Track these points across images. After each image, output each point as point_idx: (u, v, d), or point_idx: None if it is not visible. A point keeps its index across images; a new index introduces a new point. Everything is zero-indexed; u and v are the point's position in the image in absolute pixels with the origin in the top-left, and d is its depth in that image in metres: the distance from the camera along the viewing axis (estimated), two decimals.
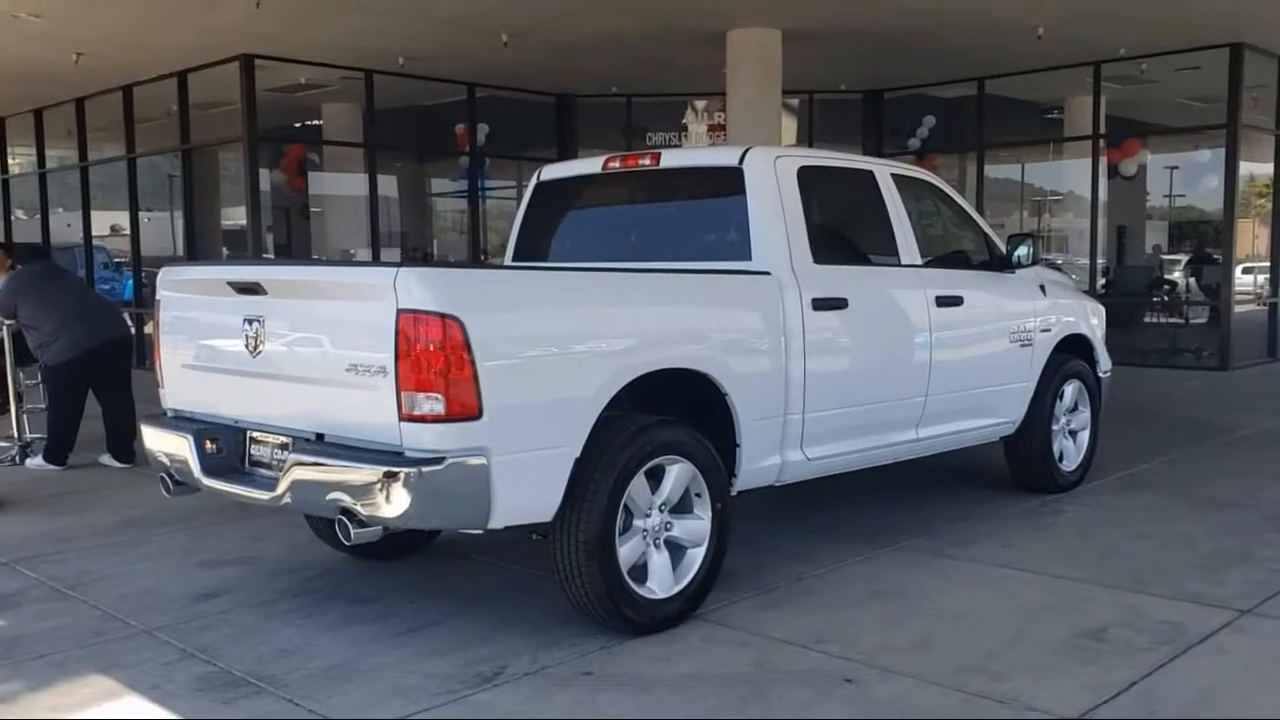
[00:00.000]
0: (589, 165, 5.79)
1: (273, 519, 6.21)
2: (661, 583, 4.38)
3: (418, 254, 17.81)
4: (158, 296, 4.81)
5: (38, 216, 18.23)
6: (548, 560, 4.25)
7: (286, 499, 4.03)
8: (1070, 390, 6.76)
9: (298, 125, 16.97)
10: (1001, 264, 6.29)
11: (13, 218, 19.03)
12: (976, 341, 6.06)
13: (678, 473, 4.40)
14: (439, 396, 3.69)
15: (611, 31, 11.75)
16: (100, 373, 7.99)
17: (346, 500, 3.82)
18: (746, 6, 11.02)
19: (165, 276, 4.79)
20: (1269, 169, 14.88)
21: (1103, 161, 14.77)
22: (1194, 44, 12.80)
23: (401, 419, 3.73)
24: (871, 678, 3.94)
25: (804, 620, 4.54)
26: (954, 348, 5.84)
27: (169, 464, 4.61)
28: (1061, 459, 6.76)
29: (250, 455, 4.40)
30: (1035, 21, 11.47)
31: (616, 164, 5.56)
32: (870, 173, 5.68)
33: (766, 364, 4.80)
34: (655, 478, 4.35)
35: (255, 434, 4.37)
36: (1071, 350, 6.78)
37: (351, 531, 3.81)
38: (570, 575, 4.17)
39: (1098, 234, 14.77)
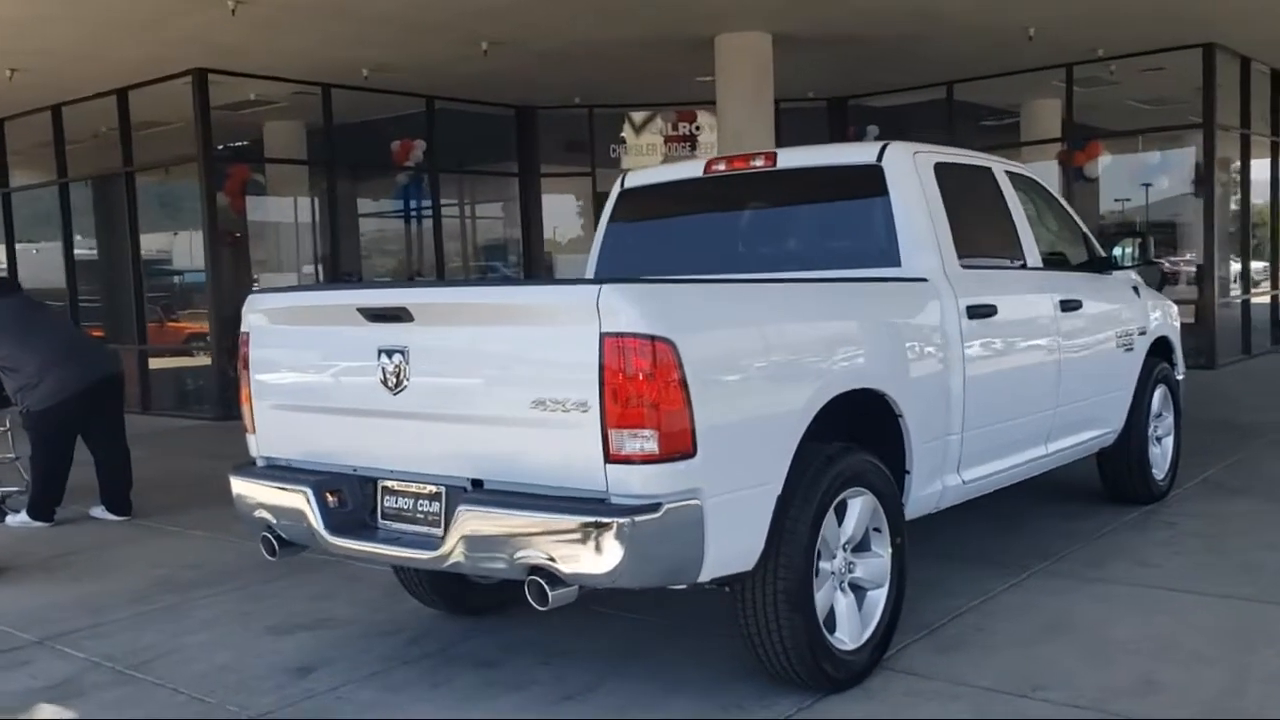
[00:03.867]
0: (684, 169, 5.30)
1: (329, 572, 5.58)
2: (851, 631, 3.90)
3: (353, 277, 16.88)
4: (245, 328, 4.16)
5: None
6: (675, 608, 3.70)
7: (457, 557, 3.43)
8: (1159, 396, 6.47)
9: (238, 145, 16.09)
10: (1103, 265, 5.97)
11: None
12: (1094, 347, 5.71)
13: (861, 506, 3.93)
14: (651, 434, 3.16)
15: (596, 38, 11.27)
16: (91, 416, 7.19)
17: (540, 557, 3.24)
18: (739, 9, 10.63)
19: (258, 304, 4.14)
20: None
21: (1061, 164, 14.74)
22: (1169, 44, 12.80)
23: (609, 460, 3.19)
24: None
25: (997, 662, 4.10)
26: (1077, 355, 5.48)
27: (274, 521, 3.97)
28: (1152, 467, 6.46)
29: (383, 508, 3.79)
30: (1028, 22, 11.31)
31: (722, 166, 5.08)
32: (989, 170, 5.30)
33: (934, 380, 4.36)
34: (839, 513, 3.87)
35: (390, 483, 3.77)
36: (1156, 354, 6.49)
37: (549, 594, 3.24)
38: (765, 629, 3.66)
39: None
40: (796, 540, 3.60)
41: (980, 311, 4.63)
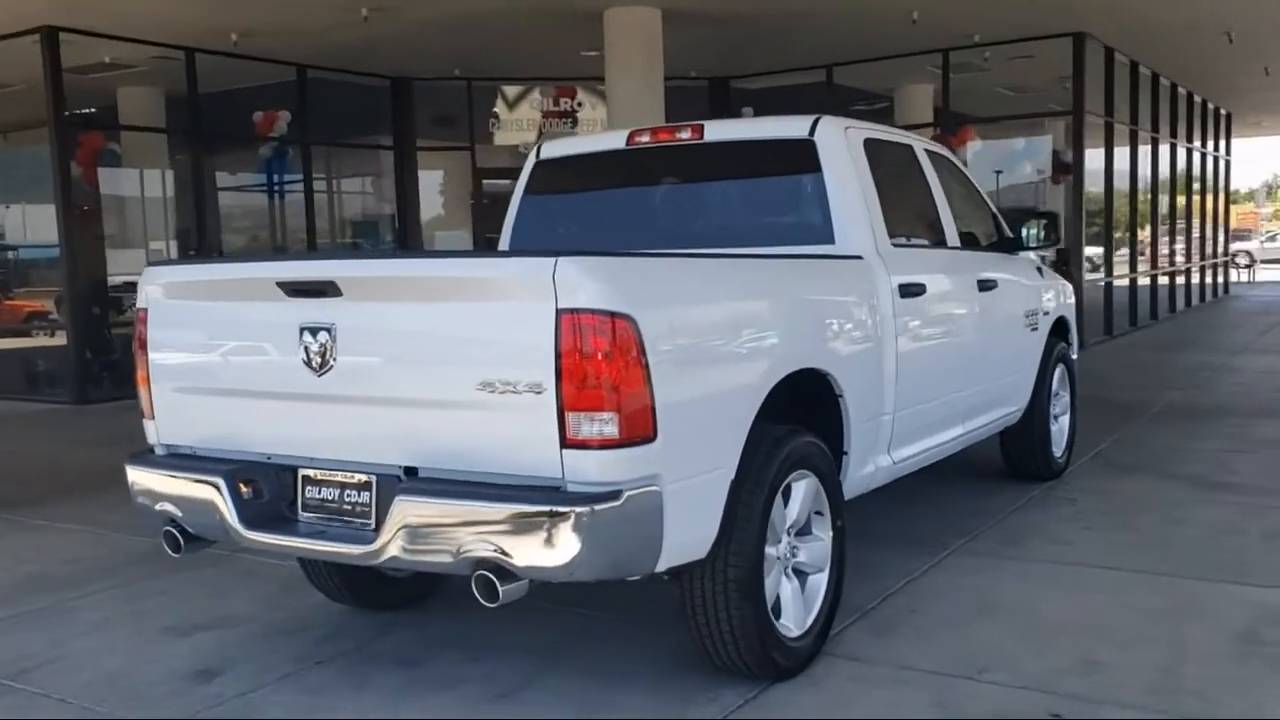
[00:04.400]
0: (606, 140, 5.08)
1: (222, 567, 5.22)
2: (796, 618, 3.79)
3: (212, 254, 16.00)
4: (141, 304, 3.79)
5: None
6: (605, 600, 3.53)
7: (393, 552, 3.17)
8: (1058, 374, 6.56)
9: (88, 111, 15.12)
10: (1011, 245, 6.00)
11: None
12: (1007, 327, 5.74)
13: (805, 489, 3.82)
14: (611, 417, 2.97)
15: (480, 8, 10.91)
16: None
17: (488, 550, 3.01)
18: None
19: (156, 278, 3.76)
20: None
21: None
22: (1042, 32, 13.12)
23: (565, 445, 2.98)
24: (1078, 710, 3.49)
25: (937, 645, 4.04)
26: (992, 334, 5.50)
27: (179, 514, 3.63)
28: (1052, 445, 6.56)
29: (304, 499, 3.49)
30: (911, 5, 11.41)
31: (646, 138, 4.88)
32: (911, 147, 5.25)
33: (870, 359, 4.28)
34: (784, 497, 3.75)
35: (311, 472, 3.47)
36: (1055, 333, 6.58)
37: (501, 589, 3.01)
38: (714, 619, 3.51)
39: None
40: (749, 526, 3.46)
41: (911, 290, 4.57)
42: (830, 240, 4.41)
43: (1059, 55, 13.86)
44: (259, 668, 4.04)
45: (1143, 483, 6.53)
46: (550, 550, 2.97)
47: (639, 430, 3.01)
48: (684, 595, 3.55)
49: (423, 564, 3.23)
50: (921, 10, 11.57)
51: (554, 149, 5.20)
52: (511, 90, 15.13)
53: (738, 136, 4.81)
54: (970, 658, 3.91)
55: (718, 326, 3.41)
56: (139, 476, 3.75)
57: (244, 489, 3.49)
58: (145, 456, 3.82)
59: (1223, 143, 22.82)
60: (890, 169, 4.84)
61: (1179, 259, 19.58)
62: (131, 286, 4.78)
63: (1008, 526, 5.64)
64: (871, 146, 4.70)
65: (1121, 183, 16.02)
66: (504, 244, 5.20)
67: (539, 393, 2.99)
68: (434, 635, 4.30)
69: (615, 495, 2.98)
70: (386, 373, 3.27)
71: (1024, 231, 5.88)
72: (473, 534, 3.04)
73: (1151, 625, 4.20)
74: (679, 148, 4.82)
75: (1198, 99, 19.85)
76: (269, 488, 3.53)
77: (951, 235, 5.26)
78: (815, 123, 4.53)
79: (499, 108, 15.19)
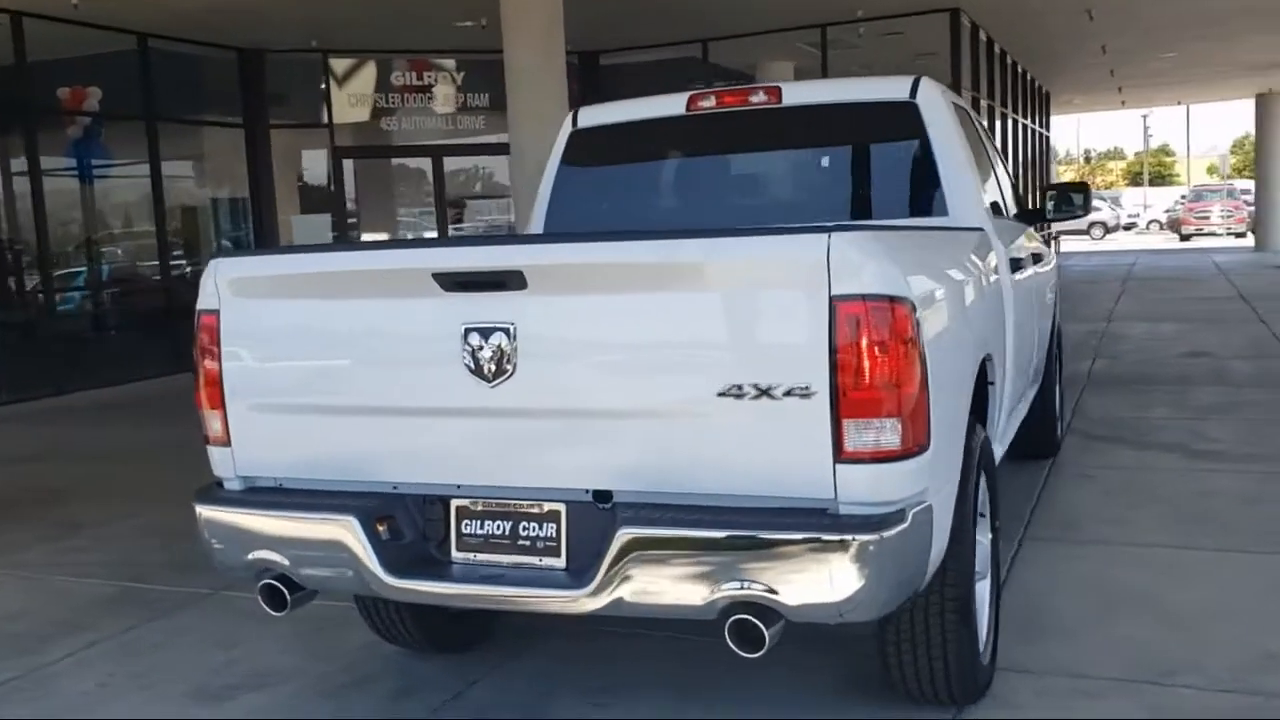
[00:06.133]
0: (658, 106, 4.52)
1: (199, 610, 4.51)
2: (982, 631, 3.40)
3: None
4: (208, 305, 3.03)
5: None
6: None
7: (618, 596, 2.60)
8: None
9: None
10: (1035, 216, 5.79)
11: None
12: (1045, 299, 5.54)
13: (982, 490, 3.44)
14: (892, 424, 2.50)
15: None
16: None
17: (753, 588, 2.49)
18: None
19: (231, 272, 3.01)
20: None
21: None
22: (921, 8, 13.19)
23: (839, 459, 2.49)
24: None
25: (1094, 648, 3.75)
26: (1042, 307, 5.29)
27: (286, 564, 2.92)
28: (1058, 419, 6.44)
29: (460, 536, 2.86)
30: None
31: (710, 103, 4.37)
32: (969, 113, 4.93)
33: (1002, 341, 3.93)
34: None
35: (469, 503, 2.84)
36: None
37: (766, 634, 2.49)
38: (924, 643, 3.08)
39: None
40: (967, 537, 3.06)
41: (1017, 265, 4.28)
42: (944, 212, 4.04)
43: (923, 34, 14.02)
44: None
45: (1135, 455, 6.49)
46: (827, 586, 2.49)
47: (920, 437, 2.56)
48: (886, 622, 3.10)
49: (657, 609, 2.66)
50: None
51: (594, 115, 4.62)
52: (374, 63, 14.15)
53: (825, 100, 4.35)
54: (1141, 660, 3.64)
55: (953, 311, 2.99)
56: (220, 517, 3.01)
57: (379, 528, 2.83)
58: (222, 493, 3.08)
59: (1044, 118, 23.87)
60: (969, 136, 4.51)
61: None
62: None
63: (1051, 508, 5.44)
64: (959, 110, 4.35)
65: None
66: (538, 221, 4.59)
67: (806, 396, 2.48)
68: (524, 679, 3.71)
69: (900, 517, 2.53)
70: (588, 379, 2.68)
71: (1050, 202, 5.67)
72: (729, 570, 2.51)
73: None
74: (752, 113, 4.34)
75: (1030, 77, 20.63)
76: (408, 524, 2.88)
77: (1011, 204, 5.00)
78: (916, 83, 4.14)
79: (360, 83, 14.20)
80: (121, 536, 5.78)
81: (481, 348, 2.69)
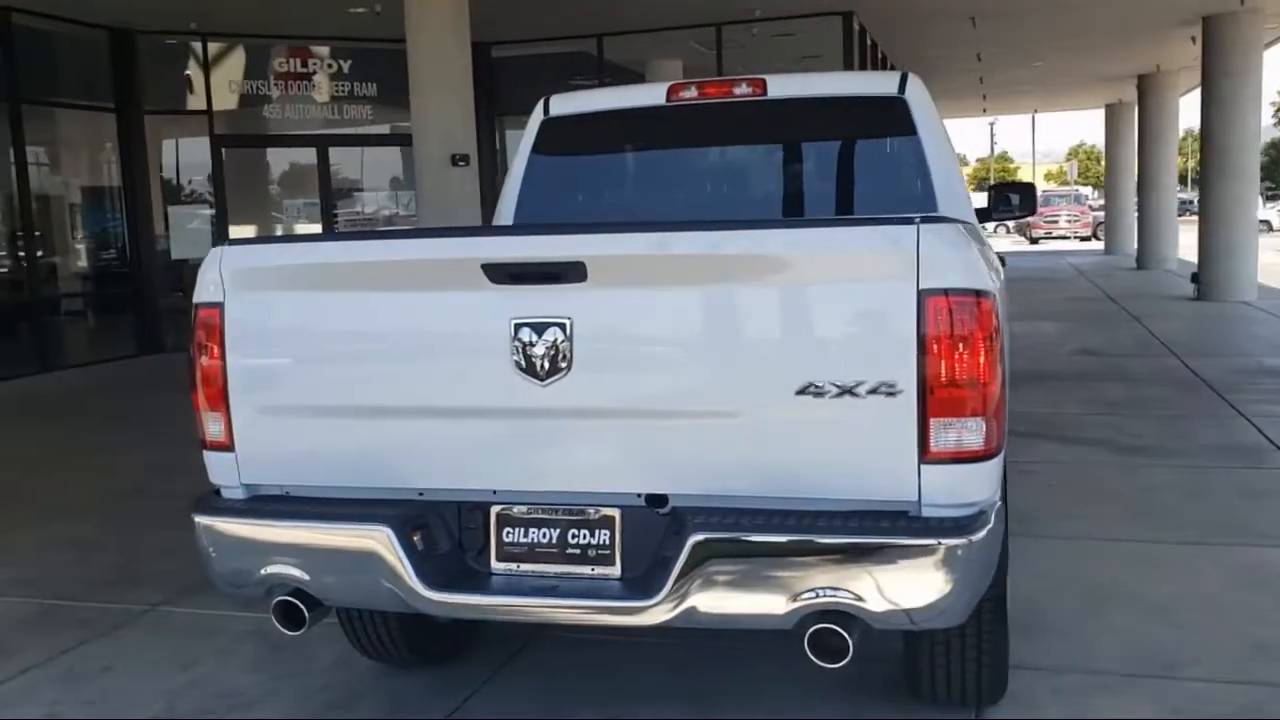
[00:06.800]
0: (636, 95, 4.38)
1: (144, 627, 4.18)
2: None
3: None
4: (208, 297, 2.74)
5: None
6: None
7: (690, 606, 2.44)
8: None
9: None
10: (984, 216, 5.82)
11: None
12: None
13: None
14: (977, 423, 2.42)
15: None
16: None
17: (843, 598, 2.37)
18: None
19: (239, 261, 2.73)
20: None
21: None
22: (817, 9, 13.31)
23: (925, 459, 2.39)
24: None
25: (1093, 643, 3.78)
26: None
27: (306, 578, 2.67)
28: None
29: (502, 545, 2.65)
30: None
31: (691, 93, 4.25)
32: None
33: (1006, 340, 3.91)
34: None
35: (512, 509, 2.64)
36: None
37: (851, 643, 2.38)
38: (959, 645, 3.03)
39: None
40: (1005, 535, 3.00)
41: (1003, 262, 4.24)
42: (933, 209, 3.99)
43: (813, 36, 14.17)
44: None
45: (1065, 450, 6.63)
46: (916, 592, 2.39)
47: (999, 437, 2.50)
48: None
49: (732, 619, 2.51)
50: None
51: (567, 104, 4.43)
52: (258, 48, 13.55)
53: (811, 93, 4.26)
54: (1142, 654, 3.67)
55: (1006, 309, 2.93)
56: (227, 528, 2.74)
57: (414, 537, 2.61)
58: (227, 502, 2.80)
59: None
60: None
61: None
62: None
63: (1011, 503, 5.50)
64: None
65: None
66: (506, 210, 4.38)
67: (892, 395, 2.38)
68: (526, 690, 3.53)
69: (983, 520, 2.45)
70: (649, 378, 2.52)
71: (997, 203, 5.70)
72: (814, 577, 2.39)
73: (1257, 596, 4.14)
74: (735, 105, 4.22)
75: None
76: (443, 534, 2.66)
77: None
78: (904, 79, 4.09)
79: (243, 68, 13.57)
80: (30, 551, 5.31)
81: (534, 344, 2.50)
